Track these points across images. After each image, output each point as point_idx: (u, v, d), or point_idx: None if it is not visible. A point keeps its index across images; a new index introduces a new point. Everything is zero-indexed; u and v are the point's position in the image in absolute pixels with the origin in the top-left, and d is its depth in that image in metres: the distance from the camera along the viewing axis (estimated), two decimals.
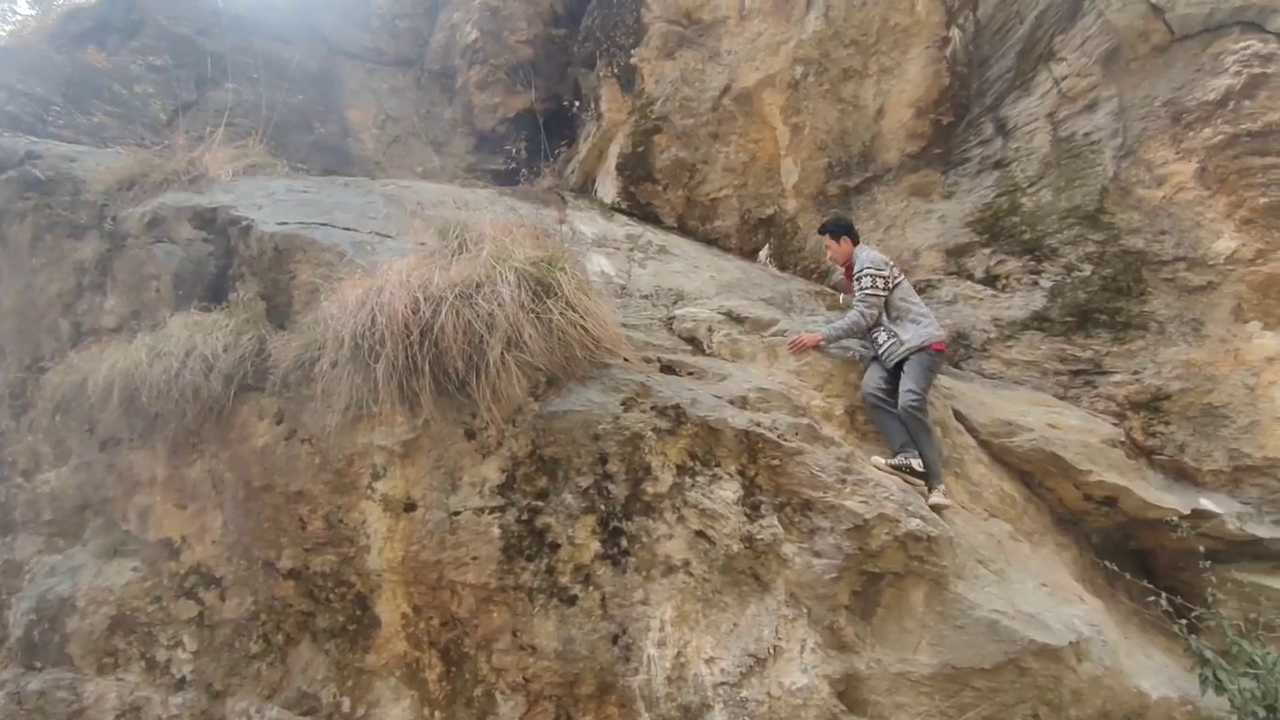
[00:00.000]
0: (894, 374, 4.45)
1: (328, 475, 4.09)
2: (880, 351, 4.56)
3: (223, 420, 4.36)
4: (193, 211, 5.11)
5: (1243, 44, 4.89)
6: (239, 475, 4.30)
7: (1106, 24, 5.23)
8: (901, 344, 4.45)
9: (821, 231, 5.19)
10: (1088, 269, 5.18)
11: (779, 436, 3.79)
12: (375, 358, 3.88)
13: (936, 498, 4.04)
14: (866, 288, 4.60)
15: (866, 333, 4.65)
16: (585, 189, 7.53)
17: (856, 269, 4.72)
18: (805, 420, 3.97)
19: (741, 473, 3.77)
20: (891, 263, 4.76)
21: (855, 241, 4.97)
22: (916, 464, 4.12)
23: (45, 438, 4.94)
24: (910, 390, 4.27)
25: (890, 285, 4.62)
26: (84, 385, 4.58)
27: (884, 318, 4.60)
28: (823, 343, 4.57)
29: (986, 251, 5.65)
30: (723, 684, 3.42)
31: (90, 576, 4.46)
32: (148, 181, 5.37)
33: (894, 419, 4.29)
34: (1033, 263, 5.41)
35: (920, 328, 4.50)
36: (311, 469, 4.12)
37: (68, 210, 5.31)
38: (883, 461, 4.10)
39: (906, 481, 4.03)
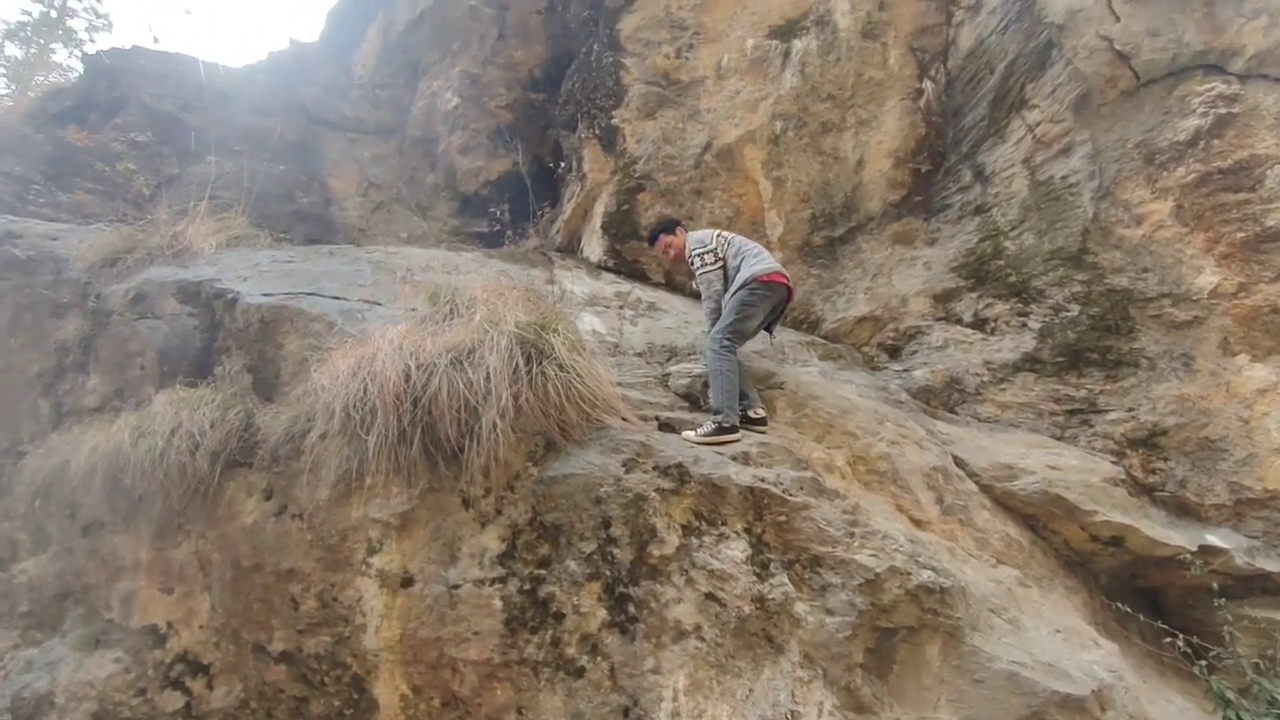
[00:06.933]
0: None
1: (320, 551, 3.95)
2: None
3: (209, 499, 4.22)
4: (177, 286, 5.04)
5: (1206, 85, 5.05)
6: (227, 555, 4.15)
7: (1075, 71, 5.39)
8: (733, 295, 4.53)
9: (654, 237, 5.18)
10: (1075, 309, 5.23)
11: (784, 491, 3.72)
12: (367, 428, 3.78)
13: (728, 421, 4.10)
14: (698, 268, 4.68)
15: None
16: (571, 248, 7.56)
17: (687, 255, 4.79)
18: (809, 473, 3.91)
19: (748, 530, 3.68)
20: (718, 233, 4.79)
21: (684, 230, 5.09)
22: (711, 423, 4.10)
23: (23, 525, 4.75)
24: (714, 327, 4.44)
25: (721, 254, 4.65)
26: (65, 468, 4.43)
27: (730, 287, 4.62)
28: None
29: (973, 295, 5.70)
30: None
31: (70, 670, 4.24)
32: (131, 257, 5.31)
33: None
34: (1020, 305, 5.46)
35: (744, 270, 4.52)
36: (303, 546, 3.99)
37: (49, 289, 5.22)
38: (692, 435, 4.08)
39: (717, 447, 3.96)
